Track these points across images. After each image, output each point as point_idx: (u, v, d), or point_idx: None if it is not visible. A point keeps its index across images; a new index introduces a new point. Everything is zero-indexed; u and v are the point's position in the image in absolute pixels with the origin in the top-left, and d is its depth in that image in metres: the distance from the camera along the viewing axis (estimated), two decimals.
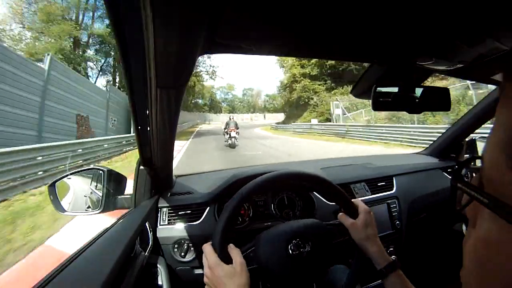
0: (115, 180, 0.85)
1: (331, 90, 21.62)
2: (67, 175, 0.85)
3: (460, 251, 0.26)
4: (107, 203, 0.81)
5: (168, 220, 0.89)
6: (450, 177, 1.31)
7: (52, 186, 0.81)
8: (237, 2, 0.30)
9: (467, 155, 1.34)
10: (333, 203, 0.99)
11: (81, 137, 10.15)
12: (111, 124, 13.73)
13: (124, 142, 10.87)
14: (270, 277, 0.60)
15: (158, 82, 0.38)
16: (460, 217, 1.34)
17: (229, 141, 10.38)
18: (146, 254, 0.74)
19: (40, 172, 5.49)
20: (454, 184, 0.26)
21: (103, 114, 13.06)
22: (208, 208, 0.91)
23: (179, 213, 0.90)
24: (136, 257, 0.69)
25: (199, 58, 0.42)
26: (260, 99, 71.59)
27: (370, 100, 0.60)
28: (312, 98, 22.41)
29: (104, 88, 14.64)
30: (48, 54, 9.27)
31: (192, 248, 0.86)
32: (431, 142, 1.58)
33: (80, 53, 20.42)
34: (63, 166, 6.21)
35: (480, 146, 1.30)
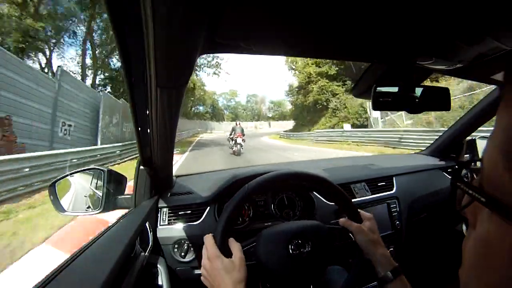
0: (115, 180, 0.85)
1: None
2: (67, 175, 0.85)
3: (460, 251, 0.26)
4: (107, 203, 0.81)
5: (168, 220, 0.89)
6: (450, 177, 1.31)
7: (52, 186, 0.81)
8: (237, 2, 0.30)
9: (467, 155, 1.34)
10: (333, 203, 0.99)
11: None
12: (62, 132, 8.45)
13: (88, 158, 7.21)
14: (269, 275, 0.60)
15: (158, 82, 0.38)
16: (461, 217, 1.34)
17: (235, 148, 9.99)
18: (146, 254, 0.74)
19: None
20: (454, 183, 0.26)
21: (46, 115, 7.69)
22: (208, 208, 0.91)
23: (179, 213, 0.90)
24: (136, 257, 0.69)
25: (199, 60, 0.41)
26: (264, 106, 68.28)
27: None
28: (331, 101, 19.22)
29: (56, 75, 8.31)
30: None
31: (192, 248, 0.86)
32: None
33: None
34: None
35: (480, 146, 1.30)
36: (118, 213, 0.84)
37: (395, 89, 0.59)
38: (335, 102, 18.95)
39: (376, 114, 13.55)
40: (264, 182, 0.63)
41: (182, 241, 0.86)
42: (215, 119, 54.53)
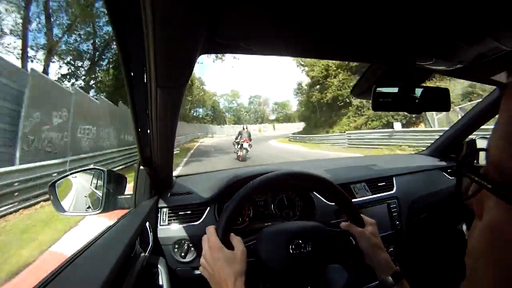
0: (115, 180, 0.85)
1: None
2: (67, 175, 0.85)
3: (460, 251, 0.26)
4: (107, 203, 0.81)
5: (168, 220, 0.89)
6: (451, 176, 1.31)
7: (52, 186, 0.81)
8: (237, 2, 0.30)
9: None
10: (333, 204, 0.99)
11: None
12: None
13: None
14: (269, 274, 0.60)
15: (158, 82, 0.38)
16: (461, 216, 1.34)
17: (239, 153, 9.51)
18: (146, 254, 0.74)
19: None
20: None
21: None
22: (208, 208, 0.91)
23: (179, 213, 0.90)
24: (136, 257, 0.69)
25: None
26: (268, 108, 65.99)
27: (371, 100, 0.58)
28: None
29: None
30: None
31: (192, 249, 0.86)
32: None
33: None
34: None
35: (480, 146, 1.30)
36: (118, 213, 0.84)
37: (395, 90, 0.59)
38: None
39: None
40: (269, 180, 0.62)
41: (182, 241, 0.86)
42: (216, 122, 52.35)
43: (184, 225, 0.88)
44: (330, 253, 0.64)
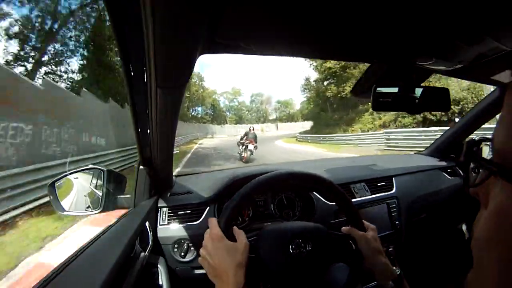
0: (115, 180, 0.85)
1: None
2: (67, 175, 0.85)
3: (459, 251, 0.26)
4: (106, 203, 0.81)
5: (168, 220, 0.89)
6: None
7: (51, 185, 0.81)
8: (237, 2, 0.30)
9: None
10: (333, 203, 0.99)
11: None
12: None
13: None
14: (269, 273, 0.60)
15: (158, 82, 0.38)
16: (461, 217, 1.34)
17: (244, 154, 9.43)
18: (146, 254, 0.74)
19: None
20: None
21: None
22: (208, 208, 0.91)
23: (179, 213, 0.90)
24: (136, 257, 0.69)
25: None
26: (270, 106, 63.45)
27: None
28: None
29: None
30: None
31: (192, 248, 0.86)
32: None
33: None
34: None
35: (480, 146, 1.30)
36: (118, 213, 0.84)
37: (395, 90, 0.59)
38: None
39: None
40: (269, 179, 0.62)
41: (182, 241, 0.86)
42: (216, 121, 50.70)
43: (184, 224, 0.88)
44: (330, 253, 0.64)
